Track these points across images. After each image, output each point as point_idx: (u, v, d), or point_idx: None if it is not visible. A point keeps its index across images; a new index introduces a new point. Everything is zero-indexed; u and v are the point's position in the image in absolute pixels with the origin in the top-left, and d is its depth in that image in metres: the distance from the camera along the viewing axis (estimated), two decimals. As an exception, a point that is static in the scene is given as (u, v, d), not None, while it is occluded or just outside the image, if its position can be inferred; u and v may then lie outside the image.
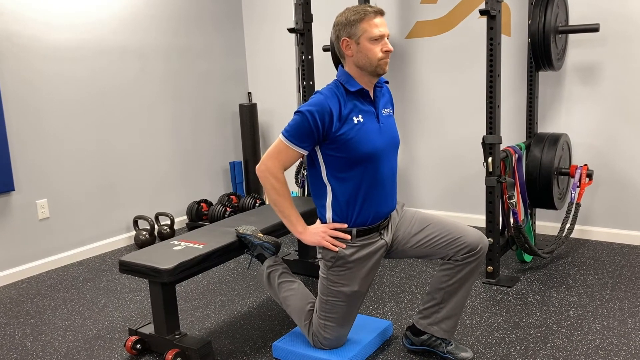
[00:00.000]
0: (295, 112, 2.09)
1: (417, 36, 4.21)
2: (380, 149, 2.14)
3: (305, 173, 3.59)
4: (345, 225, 2.17)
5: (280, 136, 2.11)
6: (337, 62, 4.02)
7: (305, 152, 2.11)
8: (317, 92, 2.13)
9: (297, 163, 3.65)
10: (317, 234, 2.17)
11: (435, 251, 2.21)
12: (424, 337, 2.32)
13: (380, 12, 2.09)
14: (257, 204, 4.51)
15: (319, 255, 2.23)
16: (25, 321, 2.95)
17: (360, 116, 2.10)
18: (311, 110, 2.04)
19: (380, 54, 2.07)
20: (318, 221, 2.26)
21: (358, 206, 2.15)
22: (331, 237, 2.17)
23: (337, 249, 2.15)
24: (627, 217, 3.65)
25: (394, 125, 2.27)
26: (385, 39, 2.09)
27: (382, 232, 2.23)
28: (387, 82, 2.31)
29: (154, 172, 4.42)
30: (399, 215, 2.30)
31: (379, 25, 2.07)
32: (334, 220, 2.19)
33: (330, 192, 2.17)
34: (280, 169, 2.12)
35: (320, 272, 2.25)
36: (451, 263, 2.20)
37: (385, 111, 2.23)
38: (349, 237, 2.16)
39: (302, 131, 2.06)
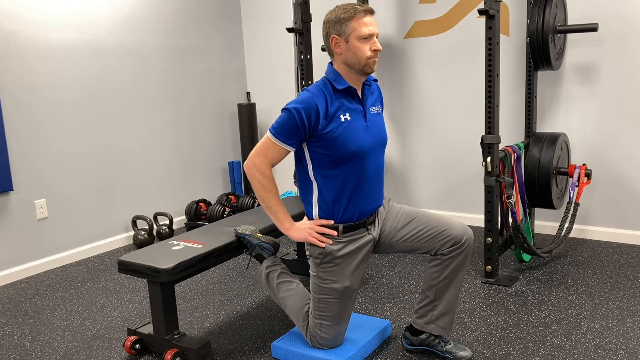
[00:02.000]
0: (283, 109, 2.10)
1: (416, 36, 4.22)
2: (367, 147, 2.15)
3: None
4: (332, 222, 2.18)
5: (268, 133, 2.12)
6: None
7: (292, 149, 2.12)
8: (305, 89, 2.14)
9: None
10: (304, 230, 2.19)
11: (422, 245, 2.22)
12: (423, 336, 2.33)
13: (370, 11, 2.10)
14: (256, 204, 4.51)
15: (307, 253, 2.25)
16: (24, 321, 2.94)
17: (347, 114, 2.11)
18: (298, 108, 2.05)
19: (369, 53, 2.08)
20: (305, 217, 2.27)
21: (344, 203, 2.16)
22: (318, 233, 2.17)
23: (324, 245, 2.17)
24: (626, 216, 3.65)
25: (382, 123, 2.28)
26: (375, 38, 2.10)
27: (369, 227, 2.24)
28: (376, 80, 2.32)
29: (152, 171, 4.42)
30: (385, 210, 2.31)
31: (368, 24, 2.08)
32: (320, 217, 2.20)
33: (317, 189, 2.18)
34: (267, 165, 2.14)
35: (310, 271, 2.27)
36: (439, 258, 2.21)
37: (374, 109, 2.24)
38: (335, 233, 2.18)
39: (288, 128, 2.07)
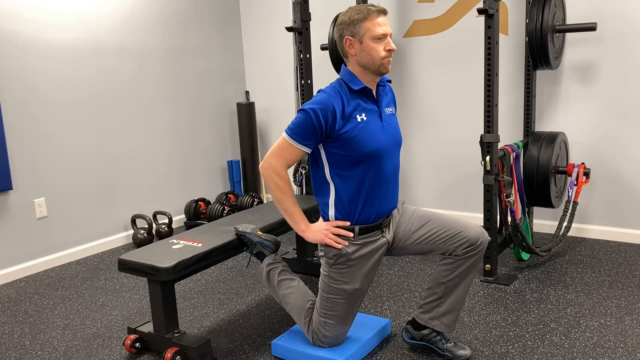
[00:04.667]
0: (299, 110, 2.10)
1: (415, 35, 4.22)
2: (383, 147, 2.15)
3: (304, 172, 3.59)
4: (348, 223, 2.18)
5: (284, 134, 2.12)
6: (335, 61, 4.02)
7: (308, 150, 2.12)
8: (321, 90, 2.14)
9: (296, 161, 3.65)
10: (320, 231, 2.19)
11: (436, 247, 2.22)
12: (425, 331, 2.33)
13: (383, 11, 2.10)
14: (255, 203, 4.51)
15: (320, 253, 2.25)
16: (24, 320, 2.95)
17: (363, 114, 2.12)
18: (314, 109, 2.05)
19: (383, 53, 2.09)
20: (321, 219, 2.27)
21: (360, 204, 2.16)
22: (334, 234, 2.18)
23: (340, 247, 2.16)
24: (624, 215, 3.67)
25: (397, 123, 2.28)
26: (388, 37, 2.11)
27: (384, 230, 2.24)
28: (389, 81, 2.32)
29: (151, 171, 4.42)
30: (399, 213, 2.32)
31: (382, 24, 2.08)
32: (336, 218, 2.20)
33: (333, 190, 2.18)
34: (283, 166, 2.14)
35: (321, 270, 2.26)
36: (452, 258, 2.21)
37: (388, 110, 2.24)
38: (351, 234, 2.18)
39: (305, 129, 2.07)
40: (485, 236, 2.21)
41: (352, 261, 2.18)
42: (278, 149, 2.13)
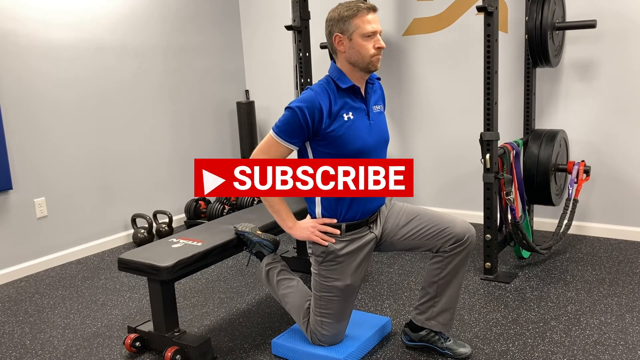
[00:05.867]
0: (286, 108, 2.10)
1: (414, 33, 4.22)
2: (370, 145, 2.15)
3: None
4: (335, 220, 2.18)
5: (271, 132, 2.12)
6: (335, 59, 4.02)
7: (295, 148, 2.12)
8: (308, 88, 2.14)
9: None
10: (306, 228, 2.19)
11: (423, 243, 2.22)
12: (423, 332, 2.33)
13: (373, 9, 2.09)
14: (255, 202, 4.51)
15: (309, 251, 2.25)
16: (24, 319, 2.95)
17: (350, 113, 2.11)
18: (301, 107, 2.05)
19: (372, 51, 2.08)
20: (308, 216, 2.27)
21: (347, 201, 2.16)
22: (321, 231, 2.18)
23: (326, 244, 2.17)
24: (624, 213, 3.66)
25: (384, 121, 2.28)
26: (378, 35, 2.10)
27: (371, 225, 2.25)
28: (379, 79, 2.32)
29: (152, 170, 4.42)
30: (387, 208, 2.32)
31: (371, 22, 2.07)
32: (323, 216, 2.20)
33: None
34: None
35: (312, 269, 2.27)
36: (440, 255, 2.21)
37: (376, 108, 2.24)
38: (338, 231, 2.18)
39: (292, 127, 2.07)
40: (472, 231, 2.22)
41: (340, 257, 2.18)
42: (265, 146, 2.13)
